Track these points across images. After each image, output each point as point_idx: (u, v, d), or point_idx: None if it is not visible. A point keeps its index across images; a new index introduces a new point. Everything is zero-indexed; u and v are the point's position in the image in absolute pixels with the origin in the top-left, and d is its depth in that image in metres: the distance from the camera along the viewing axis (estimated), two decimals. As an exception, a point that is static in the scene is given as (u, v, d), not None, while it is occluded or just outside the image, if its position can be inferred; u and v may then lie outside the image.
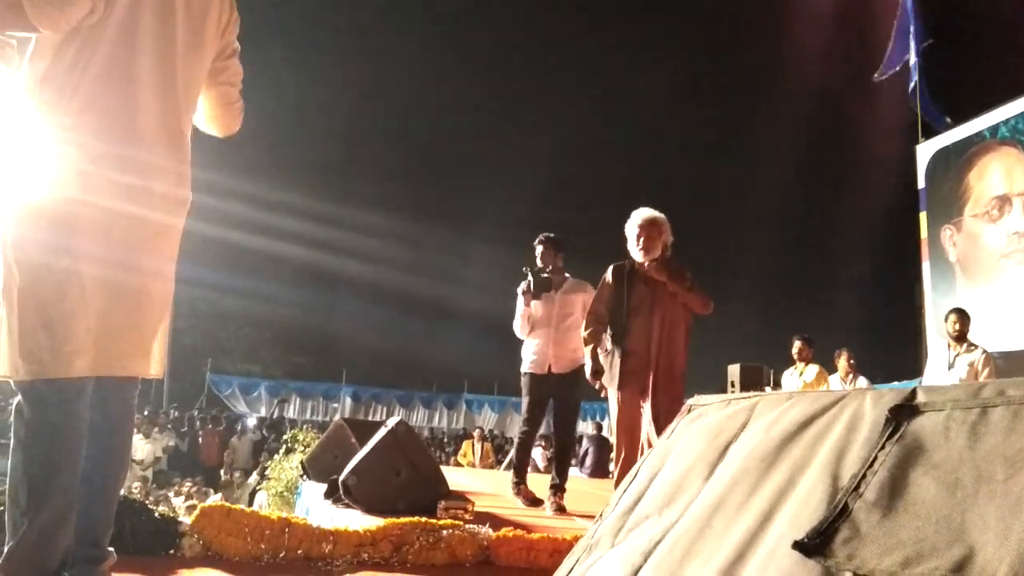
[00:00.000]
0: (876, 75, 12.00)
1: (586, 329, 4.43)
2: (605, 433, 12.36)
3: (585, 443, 11.64)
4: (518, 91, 30.69)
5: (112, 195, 1.88)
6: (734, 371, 9.75)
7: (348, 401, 23.45)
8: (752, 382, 9.39)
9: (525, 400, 5.14)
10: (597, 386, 4.38)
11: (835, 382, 7.16)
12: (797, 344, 7.28)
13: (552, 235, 5.34)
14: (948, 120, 11.15)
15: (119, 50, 1.90)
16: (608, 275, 4.46)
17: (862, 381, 7.09)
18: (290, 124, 26.29)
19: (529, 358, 5.16)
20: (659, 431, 3.65)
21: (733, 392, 9.28)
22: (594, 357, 4.35)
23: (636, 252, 4.33)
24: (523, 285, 5.20)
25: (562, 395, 5.10)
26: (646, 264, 4.31)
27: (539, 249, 5.31)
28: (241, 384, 23.05)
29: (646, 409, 4.15)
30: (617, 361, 4.24)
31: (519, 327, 5.25)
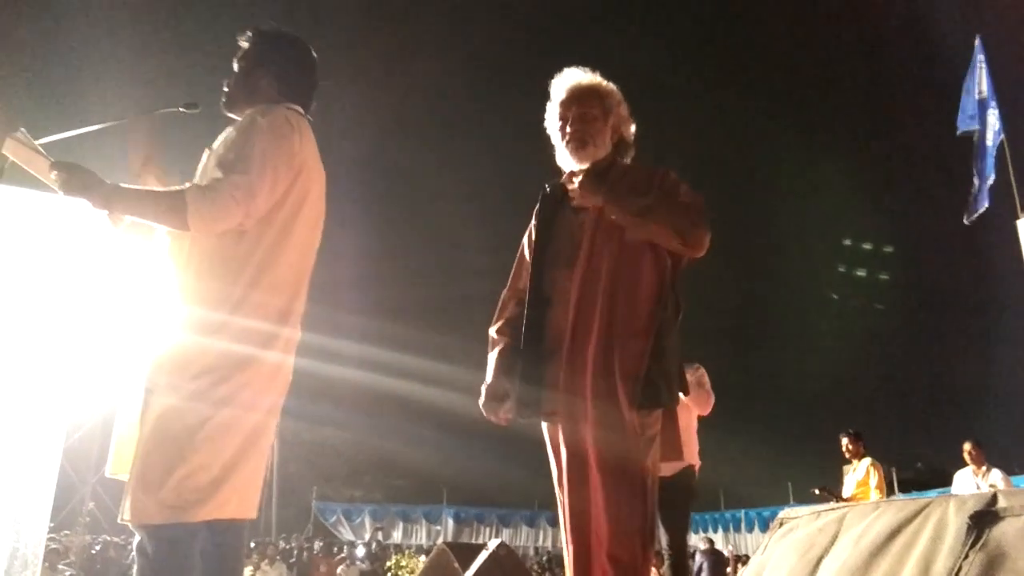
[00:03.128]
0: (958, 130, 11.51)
1: (495, 320, 2.51)
2: (720, 546, 11.78)
3: (698, 558, 11.10)
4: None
5: (255, 343, 2.05)
6: (849, 472, 9.24)
7: (450, 523, 23.21)
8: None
9: None
10: (499, 418, 2.43)
11: (967, 477, 6.73)
12: (844, 441, 7.07)
13: None
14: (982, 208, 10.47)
15: (283, 231, 2.13)
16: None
17: (996, 474, 6.61)
18: (380, 264, 27.51)
19: None
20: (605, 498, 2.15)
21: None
22: (496, 369, 2.42)
23: (564, 154, 2.41)
24: None
25: (666, 504, 4.58)
26: (576, 176, 2.36)
27: None
28: (345, 510, 23.21)
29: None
30: (534, 368, 2.31)
31: None
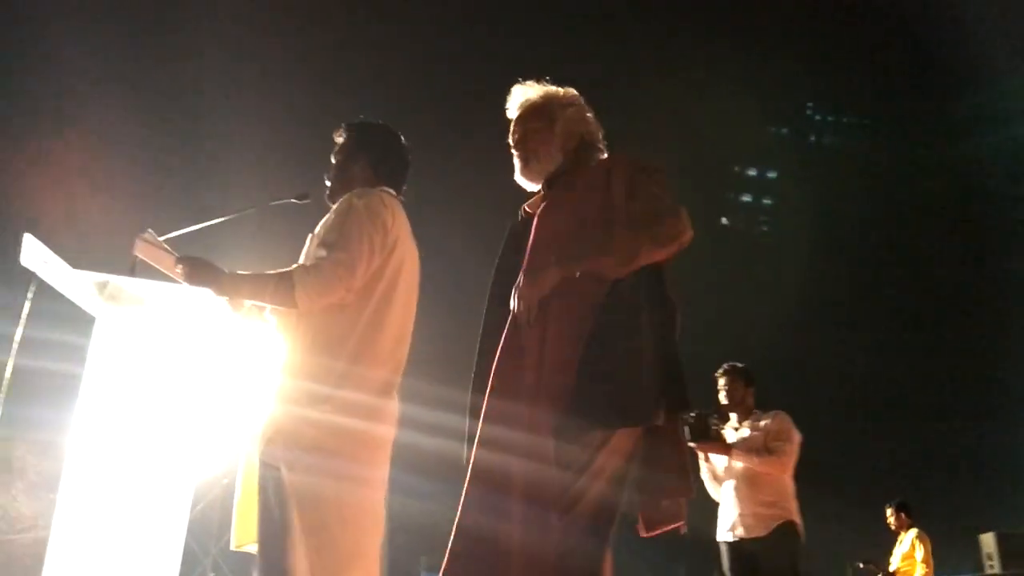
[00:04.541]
0: None
1: None
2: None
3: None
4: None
5: (361, 416, 2.13)
6: (988, 541, 8.44)
7: (559, 594, 22.58)
8: (1016, 552, 8.14)
9: None
10: None
11: None
12: (888, 512, 6.80)
13: (737, 364, 4.43)
14: None
15: (381, 305, 2.24)
16: None
17: None
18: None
19: (720, 523, 4.27)
20: None
21: (991, 567, 8.05)
22: None
23: (519, 177, 2.32)
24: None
25: (766, 569, 4.03)
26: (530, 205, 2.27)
27: (722, 382, 4.41)
28: (453, 582, 22.97)
29: None
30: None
31: (710, 489, 4.38)
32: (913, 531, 6.59)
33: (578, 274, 1.96)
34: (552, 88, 2.31)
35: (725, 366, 4.40)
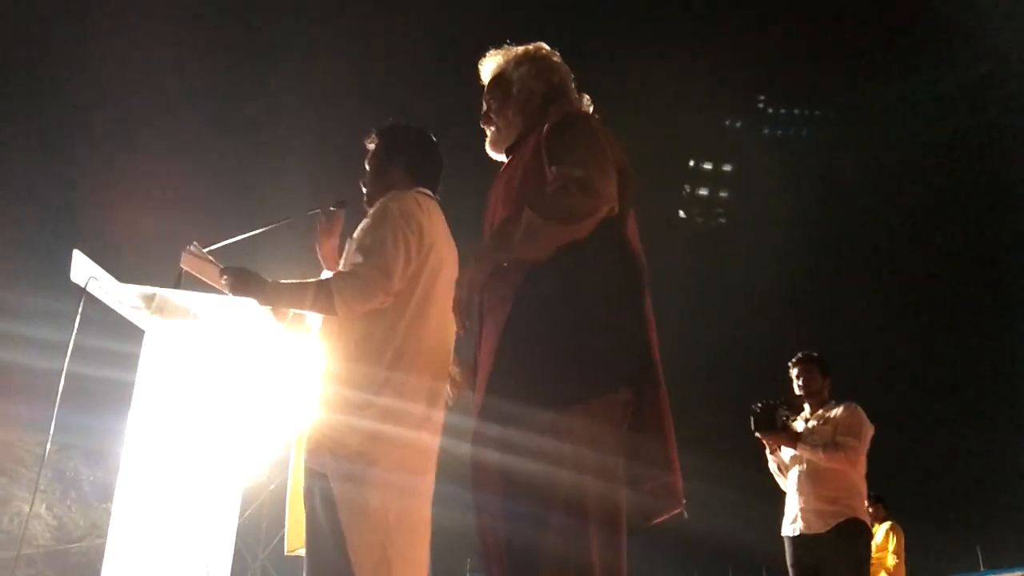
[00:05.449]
0: None
1: None
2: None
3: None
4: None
5: (404, 424, 2.13)
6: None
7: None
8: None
9: None
10: None
11: None
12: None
13: (813, 354, 4.24)
14: None
15: (421, 308, 2.24)
16: None
17: None
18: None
19: (784, 516, 4.12)
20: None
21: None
22: None
23: (489, 152, 2.23)
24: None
25: (828, 568, 3.88)
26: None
27: (796, 372, 4.22)
28: (499, 584, 22.95)
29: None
30: None
31: (778, 480, 4.24)
32: (887, 523, 6.51)
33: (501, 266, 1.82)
34: (513, 49, 2.16)
35: (800, 355, 4.22)
